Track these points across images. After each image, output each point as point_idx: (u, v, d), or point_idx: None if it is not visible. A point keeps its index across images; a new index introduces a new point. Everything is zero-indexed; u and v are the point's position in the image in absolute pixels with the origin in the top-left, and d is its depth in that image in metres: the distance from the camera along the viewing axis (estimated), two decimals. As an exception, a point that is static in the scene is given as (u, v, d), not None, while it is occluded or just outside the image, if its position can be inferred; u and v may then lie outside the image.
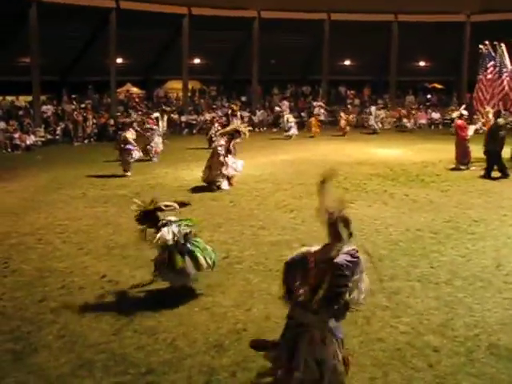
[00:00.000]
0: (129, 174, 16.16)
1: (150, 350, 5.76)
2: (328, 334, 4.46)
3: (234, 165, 14.31)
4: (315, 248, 4.63)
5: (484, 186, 14.19)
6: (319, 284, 4.34)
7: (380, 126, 29.28)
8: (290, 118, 26.79)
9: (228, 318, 6.43)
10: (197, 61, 35.95)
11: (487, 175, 15.22)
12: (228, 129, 15.31)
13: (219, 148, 14.00)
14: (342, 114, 28.39)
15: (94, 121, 26.95)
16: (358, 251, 4.43)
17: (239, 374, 5.25)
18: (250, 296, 7.08)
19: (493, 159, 15.34)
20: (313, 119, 28.00)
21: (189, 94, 34.26)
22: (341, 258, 4.33)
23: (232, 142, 14.58)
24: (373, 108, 30.10)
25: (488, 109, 18.07)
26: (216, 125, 20.61)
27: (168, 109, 29.25)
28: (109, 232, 10.25)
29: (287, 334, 4.62)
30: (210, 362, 5.49)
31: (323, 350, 4.42)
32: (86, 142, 25.88)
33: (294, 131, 26.13)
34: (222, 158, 13.93)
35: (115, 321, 6.46)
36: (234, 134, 14.63)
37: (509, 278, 7.66)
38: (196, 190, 13.88)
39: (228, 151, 14.30)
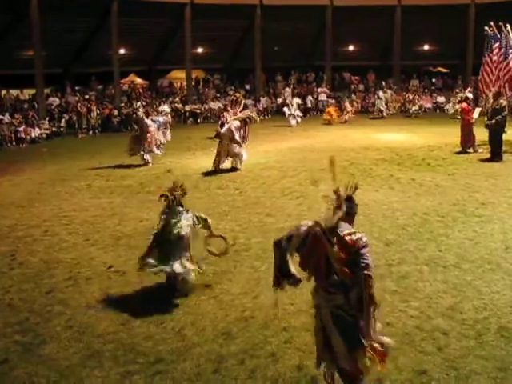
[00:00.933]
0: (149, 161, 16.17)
1: (158, 339, 5.77)
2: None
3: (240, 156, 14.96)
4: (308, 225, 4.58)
5: (490, 168, 14.10)
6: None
7: (386, 109, 29.07)
8: (292, 107, 26.50)
9: (236, 306, 6.43)
10: (200, 50, 35.83)
11: (493, 157, 15.13)
12: (240, 115, 15.50)
13: (233, 131, 14.67)
14: (347, 104, 28.20)
15: (98, 112, 26.88)
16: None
17: (247, 361, 5.25)
18: (258, 283, 7.07)
19: (495, 140, 15.25)
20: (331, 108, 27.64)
21: (193, 84, 34.15)
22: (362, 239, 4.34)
23: (246, 128, 15.16)
24: (380, 93, 29.89)
25: (494, 91, 17.93)
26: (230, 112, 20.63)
27: (176, 99, 29.27)
28: (115, 222, 10.25)
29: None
30: (219, 349, 5.49)
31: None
32: (90, 133, 25.82)
33: (293, 122, 25.79)
34: (235, 140, 14.70)
35: (123, 311, 6.47)
36: (246, 121, 15.19)
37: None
38: (202, 178, 13.86)
39: (243, 138, 15.10)
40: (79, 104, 26.58)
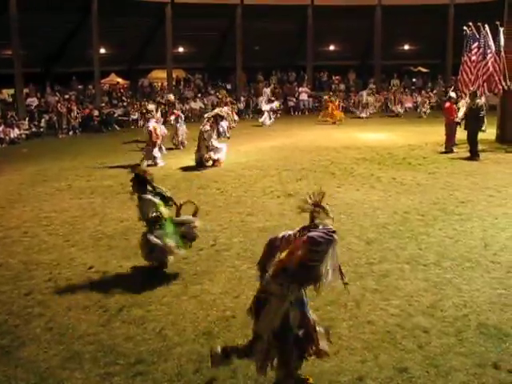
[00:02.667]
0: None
1: (138, 340, 5.73)
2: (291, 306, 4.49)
3: (219, 152, 15.24)
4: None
5: (470, 167, 14.24)
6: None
7: (366, 113, 29.07)
8: (264, 107, 26.55)
9: (217, 306, 6.41)
10: (181, 49, 35.73)
11: (473, 156, 15.28)
12: (211, 114, 15.83)
13: (205, 132, 14.92)
14: (326, 97, 28.09)
15: (78, 112, 26.67)
16: (334, 232, 4.39)
17: (229, 360, 5.22)
18: (239, 283, 7.06)
19: (473, 140, 15.40)
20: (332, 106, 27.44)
21: (173, 83, 34.04)
22: (315, 233, 4.34)
23: (218, 126, 15.50)
24: (364, 92, 29.97)
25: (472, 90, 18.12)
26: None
27: (163, 100, 29.10)
28: (95, 223, 10.17)
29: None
30: (200, 349, 5.46)
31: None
32: (70, 133, 25.61)
33: (265, 119, 25.82)
34: (207, 142, 14.93)
35: (103, 312, 6.42)
36: (217, 118, 15.50)
37: (496, 258, 7.69)
38: (183, 178, 13.83)
39: (218, 134, 15.65)
40: (59, 104, 26.35)
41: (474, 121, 15.42)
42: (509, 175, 13.15)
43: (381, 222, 9.57)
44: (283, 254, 4.52)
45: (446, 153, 16.40)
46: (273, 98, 27.62)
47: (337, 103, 27.67)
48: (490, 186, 12.00)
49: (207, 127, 15.06)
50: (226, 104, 22.57)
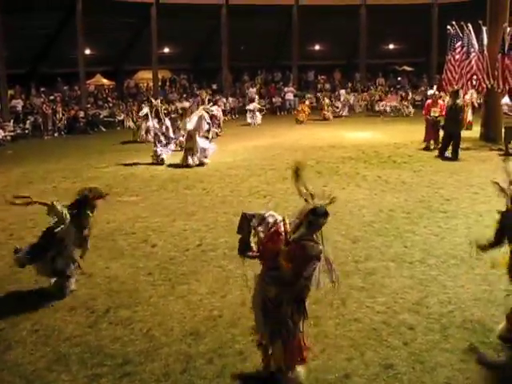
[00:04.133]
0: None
1: (126, 341, 5.72)
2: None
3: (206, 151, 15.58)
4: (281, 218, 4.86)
5: (454, 165, 14.36)
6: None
7: (346, 111, 29.22)
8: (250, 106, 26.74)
9: (204, 306, 6.42)
10: (166, 50, 35.69)
11: (454, 156, 15.38)
12: (200, 110, 16.09)
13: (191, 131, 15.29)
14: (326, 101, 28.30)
15: (64, 113, 26.53)
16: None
17: (216, 360, 5.24)
18: (225, 282, 7.07)
19: (456, 139, 15.50)
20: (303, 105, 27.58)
21: (159, 84, 33.98)
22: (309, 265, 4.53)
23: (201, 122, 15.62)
24: (342, 91, 30.14)
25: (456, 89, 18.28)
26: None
27: (155, 102, 29.10)
28: (81, 225, 10.12)
29: None
30: (187, 349, 5.47)
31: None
32: (56, 135, 25.48)
33: (251, 120, 25.98)
34: (195, 140, 15.34)
35: (90, 313, 6.41)
36: (203, 115, 15.76)
37: (481, 255, 7.74)
38: (169, 179, 13.82)
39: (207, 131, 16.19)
40: (44, 105, 26.19)
41: (453, 121, 15.48)
42: (492, 172, 13.18)
43: (366, 220, 9.62)
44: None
45: (425, 149, 16.65)
46: (255, 96, 27.86)
47: (307, 104, 27.92)
48: (474, 184, 12.10)
49: (191, 126, 15.31)
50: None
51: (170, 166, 15.58)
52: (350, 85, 32.45)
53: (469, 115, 20.38)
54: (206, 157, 15.61)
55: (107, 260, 8.15)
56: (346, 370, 5.02)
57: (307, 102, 28.39)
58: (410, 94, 31.48)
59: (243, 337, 5.62)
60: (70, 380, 5.07)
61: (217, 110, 21.25)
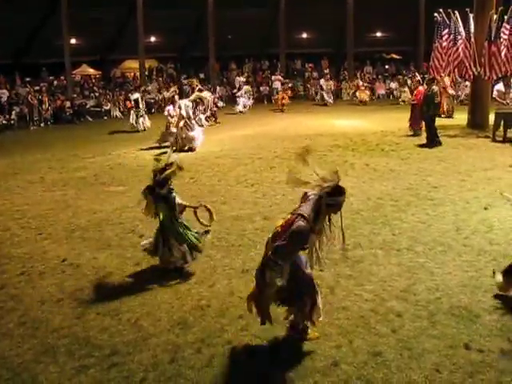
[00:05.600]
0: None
1: (113, 332, 5.69)
2: None
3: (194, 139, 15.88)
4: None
5: (442, 152, 14.40)
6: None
7: (331, 98, 29.25)
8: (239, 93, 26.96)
9: (192, 295, 6.39)
10: (153, 39, 35.46)
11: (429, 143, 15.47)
12: (191, 97, 16.37)
13: (184, 115, 15.64)
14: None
15: (50, 103, 26.33)
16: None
17: (204, 349, 5.22)
18: (213, 272, 7.05)
19: (428, 124, 15.59)
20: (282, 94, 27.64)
21: (146, 73, 33.78)
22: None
23: (194, 110, 16.28)
24: (322, 81, 30.19)
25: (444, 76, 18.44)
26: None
27: (149, 88, 29.16)
28: (68, 215, 10.07)
29: None
30: (175, 339, 5.45)
31: None
32: (42, 125, 25.31)
33: (239, 107, 26.16)
34: (187, 124, 15.65)
35: (77, 304, 6.36)
36: (197, 101, 16.34)
37: (468, 241, 7.79)
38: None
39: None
40: (30, 96, 25.97)
41: (428, 107, 15.56)
42: (480, 160, 13.32)
43: (354, 208, 9.61)
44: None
45: (413, 135, 16.74)
46: (243, 80, 28.08)
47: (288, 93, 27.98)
48: (461, 171, 12.15)
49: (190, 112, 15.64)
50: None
51: (158, 155, 15.49)
52: (327, 72, 32.45)
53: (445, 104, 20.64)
54: (193, 145, 15.62)
55: (94, 251, 8.10)
56: (334, 358, 5.02)
57: (288, 91, 28.38)
58: (409, 80, 31.37)
59: (231, 326, 5.61)
60: (57, 371, 5.03)
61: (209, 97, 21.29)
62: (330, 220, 5.07)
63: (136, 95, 21.37)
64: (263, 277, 4.88)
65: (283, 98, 26.67)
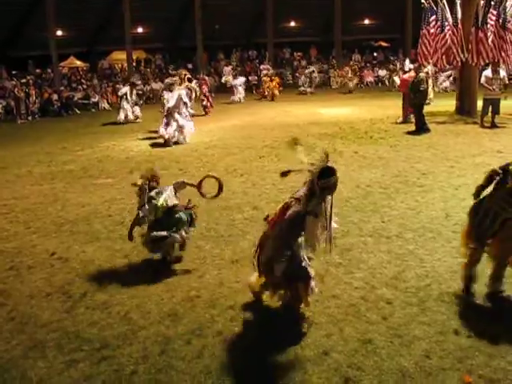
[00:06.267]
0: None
1: (103, 325, 5.66)
2: None
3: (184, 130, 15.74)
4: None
5: (431, 139, 14.42)
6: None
7: (310, 87, 29.28)
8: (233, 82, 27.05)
9: (181, 287, 6.36)
10: (140, 30, 35.23)
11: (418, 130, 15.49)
12: (182, 87, 16.40)
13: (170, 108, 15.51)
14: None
15: (37, 96, 26.11)
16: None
17: (194, 341, 5.21)
18: (203, 262, 7.02)
19: (415, 111, 15.61)
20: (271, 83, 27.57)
21: (134, 64, 33.58)
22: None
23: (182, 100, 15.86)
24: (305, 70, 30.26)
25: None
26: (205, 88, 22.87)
27: (138, 82, 29.00)
28: (57, 209, 10.00)
29: None
30: (165, 331, 5.43)
31: None
32: (29, 118, 25.12)
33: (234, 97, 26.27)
34: (176, 115, 15.51)
35: (66, 298, 6.32)
36: (188, 92, 16.41)
37: (457, 228, 7.78)
38: (145, 160, 13.68)
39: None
40: (16, 89, 25.74)
41: (415, 94, 15.58)
42: (468, 146, 13.35)
43: (344, 196, 9.59)
44: None
45: (403, 123, 16.74)
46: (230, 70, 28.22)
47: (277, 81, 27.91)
48: (450, 158, 12.17)
49: (175, 101, 15.46)
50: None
51: (146, 147, 15.47)
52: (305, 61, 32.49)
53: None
54: (183, 136, 15.59)
55: (83, 244, 8.05)
56: (324, 347, 5.02)
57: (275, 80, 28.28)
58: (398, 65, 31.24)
59: (221, 317, 5.60)
60: (46, 366, 5.00)
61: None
62: (325, 202, 5.11)
63: (125, 89, 21.22)
64: (272, 270, 5.09)
65: (274, 87, 26.59)
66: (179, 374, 4.76)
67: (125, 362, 4.98)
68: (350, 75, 30.06)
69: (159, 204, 6.81)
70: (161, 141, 15.69)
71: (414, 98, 15.55)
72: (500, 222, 5.48)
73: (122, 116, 20.70)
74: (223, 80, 28.16)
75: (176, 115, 15.44)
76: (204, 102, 22.69)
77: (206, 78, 26.04)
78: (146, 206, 6.88)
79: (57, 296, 6.40)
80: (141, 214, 6.92)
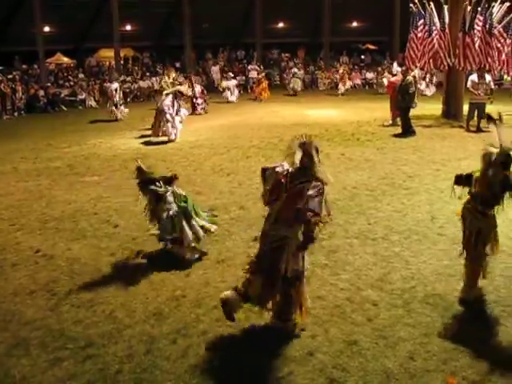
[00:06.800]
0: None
1: (88, 323, 5.63)
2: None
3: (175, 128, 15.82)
4: (282, 168, 5.21)
5: (417, 142, 14.50)
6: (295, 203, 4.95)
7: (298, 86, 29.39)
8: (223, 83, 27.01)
9: (167, 286, 6.35)
10: (128, 27, 35.09)
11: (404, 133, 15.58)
12: (171, 90, 15.98)
13: (165, 107, 15.49)
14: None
15: (23, 92, 25.90)
16: (323, 185, 5.10)
17: (180, 340, 5.20)
18: (188, 262, 7.00)
19: (403, 116, 15.70)
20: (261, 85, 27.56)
21: (122, 62, 33.44)
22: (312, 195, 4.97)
23: (175, 101, 15.89)
24: (295, 70, 30.26)
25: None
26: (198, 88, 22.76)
27: (128, 79, 28.89)
28: (42, 206, 9.93)
29: (265, 248, 5.15)
30: (150, 330, 5.41)
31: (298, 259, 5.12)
32: (15, 114, 24.90)
33: (227, 94, 26.29)
34: (168, 116, 15.54)
35: (51, 296, 6.28)
36: (177, 95, 15.93)
37: (442, 230, 7.86)
38: (131, 158, 13.60)
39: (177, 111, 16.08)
40: (3, 84, 25.49)
41: (403, 97, 15.67)
42: (454, 149, 13.45)
43: (330, 197, 9.38)
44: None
45: (392, 125, 16.83)
46: (231, 75, 27.96)
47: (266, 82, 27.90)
48: (436, 161, 12.25)
49: (167, 102, 15.53)
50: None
51: (132, 145, 15.42)
52: (295, 61, 32.58)
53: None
54: (171, 137, 15.64)
55: (69, 241, 8.00)
56: (309, 348, 5.03)
57: (264, 81, 28.27)
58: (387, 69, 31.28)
59: (207, 316, 5.60)
60: (30, 365, 4.96)
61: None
62: None
63: (115, 85, 21.17)
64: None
65: (263, 89, 26.60)
66: (164, 373, 4.75)
67: (110, 361, 4.96)
68: (344, 78, 29.90)
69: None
70: (148, 139, 15.79)
71: (402, 101, 15.63)
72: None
73: (118, 113, 20.72)
74: (220, 87, 27.92)
75: (167, 116, 15.50)
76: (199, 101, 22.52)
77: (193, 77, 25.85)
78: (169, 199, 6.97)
79: (41, 294, 6.36)
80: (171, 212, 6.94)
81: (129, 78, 29.43)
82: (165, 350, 5.06)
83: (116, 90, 20.89)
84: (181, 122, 16.25)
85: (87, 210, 9.52)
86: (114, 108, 20.67)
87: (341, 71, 30.61)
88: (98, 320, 5.69)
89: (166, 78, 16.26)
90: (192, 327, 5.42)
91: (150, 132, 16.31)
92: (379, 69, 31.50)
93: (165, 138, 15.69)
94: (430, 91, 27.13)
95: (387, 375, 4.62)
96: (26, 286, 6.59)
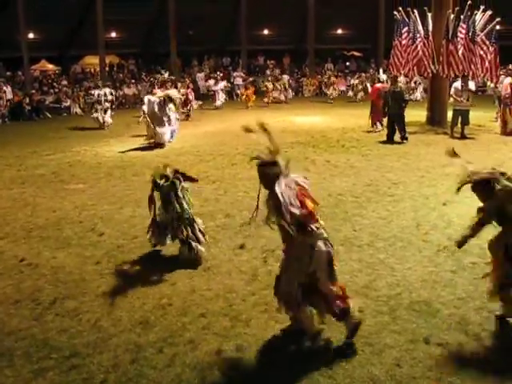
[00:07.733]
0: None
1: (73, 333, 5.58)
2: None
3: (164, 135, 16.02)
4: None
5: (402, 149, 14.60)
6: None
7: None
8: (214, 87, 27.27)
9: (153, 294, 6.32)
10: (113, 34, 35.02)
11: (389, 139, 15.71)
12: (161, 94, 16.33)
13: (157, 112, 15.77)
14: (268, 85, 28.41)
15: (7, 99, 25.72)
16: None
17: (166, 349, 5.17)
18: (174, 270, 6.97)
19: (399, 122, 15.78)
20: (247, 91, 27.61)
21: (107, 69, 33.35)
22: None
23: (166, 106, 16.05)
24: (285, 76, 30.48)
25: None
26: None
27: (118, 84, 28.83)
28: (27, 214, 9.86)
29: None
30: (136, 339, 5.38)
31: None
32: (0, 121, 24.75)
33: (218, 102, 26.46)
34: (160, 120, 15.79)
35: (35, 305, 6.22)
36: (166, 100, 15.99)
37: (427, 237, 7.91)
38: (116, 166, 13.58)
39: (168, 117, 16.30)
40: (-14, 91, 25.35)
41: (398, 104, 15.74)
42: (438, 156, 13.48)
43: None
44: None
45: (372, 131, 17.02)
46: (220, 74, 28.23)
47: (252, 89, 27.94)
48: (421, 167, 12.33)
49: (156, 108, 15.68)
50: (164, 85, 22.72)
51: (117, 152, 15.37)
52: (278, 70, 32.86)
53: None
54: (162, 141, 15.86)
55: (53, 250, 7.95)
56: (295, 355, 5.03)
57: (251, 88, 28.33)
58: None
59: (193, 325, 5.57)
60: (14, 375, 4.90)
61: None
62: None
63: (103, 91, 21.10)
64: None
65: (247, 96, 26.66)
66: (150, 382, 4.72)
67: (95, 371, 4.92)
68: (333, 84, 29.89)
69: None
70: (133, 146, 15.80)
71: (399, 108, 15.64)
72: None
73: (107, 119, 20.65)
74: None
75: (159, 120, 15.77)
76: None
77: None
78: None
79: (25, 303, 6.30)
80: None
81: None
82: (151, 359, 5.04)
83: (106, 95, 20.82)
84: (172, 125, 16.52)
85: (72, 217, 9.47)
86: (99, 115, 20.55)
87: (330, 77, 30.76)
88: (83, 329, 5.65)
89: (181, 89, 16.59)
90: (178, 336, 5.39)
91: (134, 139, 16.30)
92: (363, 74, 31.64)
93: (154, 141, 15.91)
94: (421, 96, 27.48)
95: (373, 382, 4.62)
96: (10, 295, 6.53)
